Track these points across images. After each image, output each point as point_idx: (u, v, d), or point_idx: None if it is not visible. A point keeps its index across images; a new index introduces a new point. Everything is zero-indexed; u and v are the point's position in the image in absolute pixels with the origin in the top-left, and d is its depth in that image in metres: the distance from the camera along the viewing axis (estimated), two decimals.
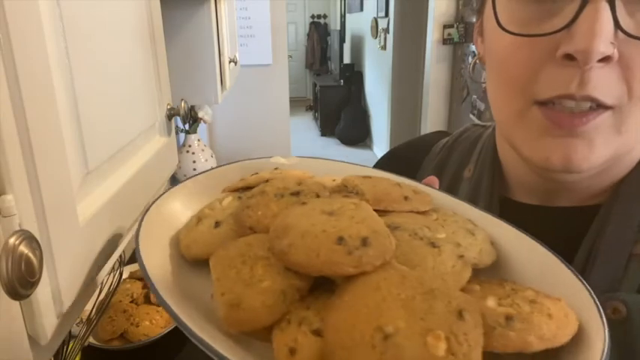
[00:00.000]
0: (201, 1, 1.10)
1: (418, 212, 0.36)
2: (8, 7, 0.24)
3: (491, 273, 0.34)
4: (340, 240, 0.27)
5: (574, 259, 0.43)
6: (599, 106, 0.36)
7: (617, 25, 0.33)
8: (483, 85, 0.47)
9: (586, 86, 0.35)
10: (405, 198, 0.36)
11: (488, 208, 0.47)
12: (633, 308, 0.38)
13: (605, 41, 0.33)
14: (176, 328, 1.01)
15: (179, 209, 0.39)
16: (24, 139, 0.26)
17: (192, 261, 0.35)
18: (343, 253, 0.26)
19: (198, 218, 0.37)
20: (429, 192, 0.40)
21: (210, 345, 0.24)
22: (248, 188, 0.39)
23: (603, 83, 0.35)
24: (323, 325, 0.26)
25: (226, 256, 0.30)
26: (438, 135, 0.64)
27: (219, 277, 0.29)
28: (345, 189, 0.37)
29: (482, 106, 2.92)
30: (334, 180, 0.39)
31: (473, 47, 3.07)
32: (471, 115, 3.06)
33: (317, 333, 0.26)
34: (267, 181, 0.38)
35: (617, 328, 0.38)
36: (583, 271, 0.41)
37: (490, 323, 0.26)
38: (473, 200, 0.51)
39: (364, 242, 0.27)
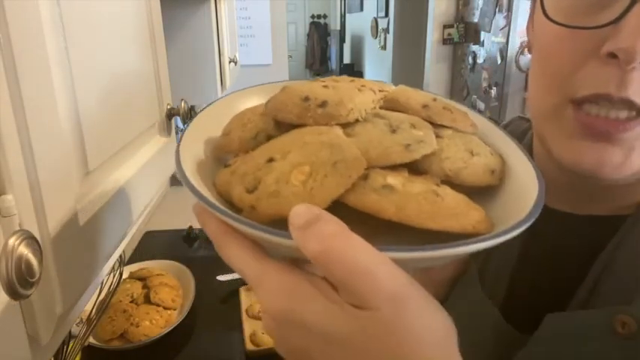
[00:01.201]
0: (201, 1, 1.10)
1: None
2: (8, 7, 0.24)
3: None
4: (306, 99, 0.32)
5: (591, 268, 0.40)
6: (638, 113, 0.34)
7: None
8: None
9: (626, 88, 0.33)
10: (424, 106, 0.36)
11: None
12: None
13: None
14: (176, 328, 1.01)
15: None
16: (24, 139, 0.26)
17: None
18: (302, 108, 0.32)
19: (225, 132, 0.40)
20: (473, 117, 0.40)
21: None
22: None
23: None
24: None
25: (239, 115, 0.38)
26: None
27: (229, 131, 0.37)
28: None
29: (482, 105, 2.92)
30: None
31: (473, 47, 3.06)
32: None
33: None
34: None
35: (625, 344, 0.35)
36: (597, 281, 0.39)
37: (369, 184, 0.28)
38: None
39: (323, 104, 0.32)
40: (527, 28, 0.46)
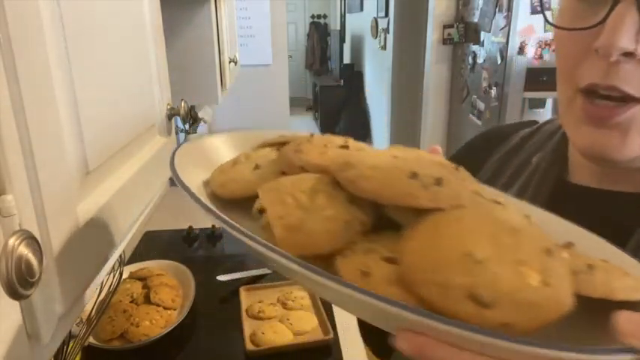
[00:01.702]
0: (201, 1, 1.10)
1: None
2: (8, 7, 0.24)
3: None
4: (414, 175, 0.27)
5: (626, 246, 0.42)
6: (628, 100, 0.39)
7: None
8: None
9: (610, 77, 0.39)
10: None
11: (540, 186, 0.51)
12: None
13: (626, 38, 0.36)
14: (176, 328, 1.01)
15: (214, 152, 0.41)
16: (24, 139, 0.26)
17: (227, 198, 0.35)
18: (418, 187, 0.26)
19: (234, 162, 0.38)
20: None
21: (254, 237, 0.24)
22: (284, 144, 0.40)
23: (631, 76, 0.38)
24: (398, 252, 0.26)
25: (279, 188, 0.30)
26: (520, 125, 0.65)
27: (274, 203, 0.28)
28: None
29: (482, 106, 2.92)
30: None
31: (473, 47, 3.07)
32: (471, 115, 3.06)
33: (389, 261, 0.26)
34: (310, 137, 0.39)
35: None
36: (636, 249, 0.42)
37: (573, 268, 0.26)
38: (528, 182, 0.53)
39: (438, 182, 0.27)
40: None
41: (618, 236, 0.41)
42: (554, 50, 0.50)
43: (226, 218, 0.27)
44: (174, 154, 0.35)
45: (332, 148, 0.36)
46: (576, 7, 0.42)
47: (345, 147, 0.37)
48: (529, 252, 0.24)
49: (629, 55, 0.37)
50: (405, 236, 0.26)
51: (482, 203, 0.30)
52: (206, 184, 0.38)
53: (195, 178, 0.37)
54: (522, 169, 0.56)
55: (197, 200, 0.28)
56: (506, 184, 0.55)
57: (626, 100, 0.39)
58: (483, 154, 0.62)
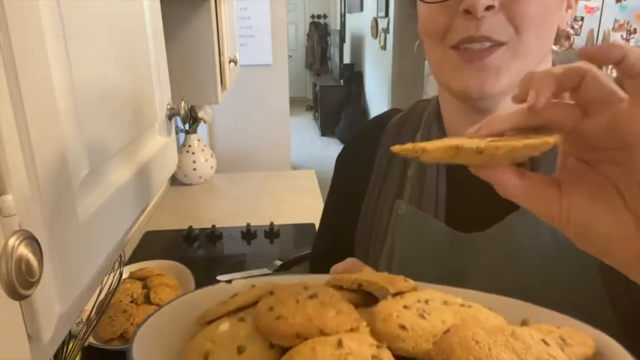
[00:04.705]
0: (201, 1, 1.10)
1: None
2: (8, 7, 0.24)
3: None
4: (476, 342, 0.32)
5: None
6: (496, 45, 0.50)
7: None
8: (426, 70, 0.53)
9: (481, 29, 0.49)
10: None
11: (437, 167, 0.60)
12: None
13: None
14: None
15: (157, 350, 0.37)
16: (24, 139, 0.26)
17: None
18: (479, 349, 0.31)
19: (205, 356, 0.34)
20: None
21: None
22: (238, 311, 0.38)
23: (494, 25, 0.49)
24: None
25: None
26: (392, 112, 0.74)
27: None
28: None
29: None
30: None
31: None
32: None
33: None
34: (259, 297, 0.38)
35: None
36: None
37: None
38: (422, 164, 0.59)
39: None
40: (419, 27, 0.60)
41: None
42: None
43: None
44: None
45: (307, 300, 0.36)
46: None
47: (314, 296, 0.36)
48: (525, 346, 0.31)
49: (490, 8, 0.48)
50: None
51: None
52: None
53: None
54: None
55: None
56: (403, 170, 0.63)
57: (495, 45, 0.50)
58: (369, 145, 0.70)
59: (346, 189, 0.72)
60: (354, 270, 0.49)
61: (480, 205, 0.54)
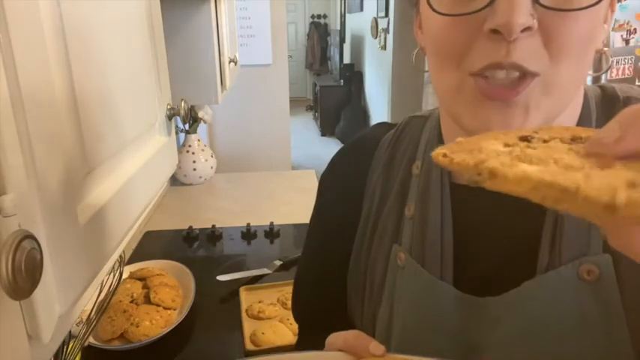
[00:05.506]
0: (201, 1, 1.10)
1: None
2: (8, 7, 0.24)
3: None
4: None
5: (542, 234, 0.45)
6: (526, 76, 0.39)
7: None
8: (426, 74, 0.47)
9: (512, 55, 0.38)
10: None
11: (441, 197, 0.50)
12: (604, 267, 0.42)
13: (524, 14, 0.37)
14: (176, 328, 1.01)
15: None
16: (24, 138, 0.26)
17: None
18: None
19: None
20: None
21: None
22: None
23: (528, 51, 0.38)
24: None
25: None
26: (381, 128, 0.64)
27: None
28: None
29: None
30: None
31: None
32: None
33: None
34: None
35: (594, 287, 0.43)
36: (553, 244, 0.44)
37: None
38: (425, 193, 0.51)
39: None
40: (416, 34, 0.52)
41: (532, 225, 0.45)
42: (425, 51, 0.49)
43: None
44: None
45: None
46: None
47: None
48: None
49: (526, 30, 0.38)
50: None
51: None
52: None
53: None
54: (406, 182, 0.55)
55: None
56: (400, 205, 0.54)
57: (525, 76, 0.39)
58: (359, 168, 0.60)
59: (334, 219, 0.62)
60: (358, 347, 0.41)
61: (492, 260, 0.47)
